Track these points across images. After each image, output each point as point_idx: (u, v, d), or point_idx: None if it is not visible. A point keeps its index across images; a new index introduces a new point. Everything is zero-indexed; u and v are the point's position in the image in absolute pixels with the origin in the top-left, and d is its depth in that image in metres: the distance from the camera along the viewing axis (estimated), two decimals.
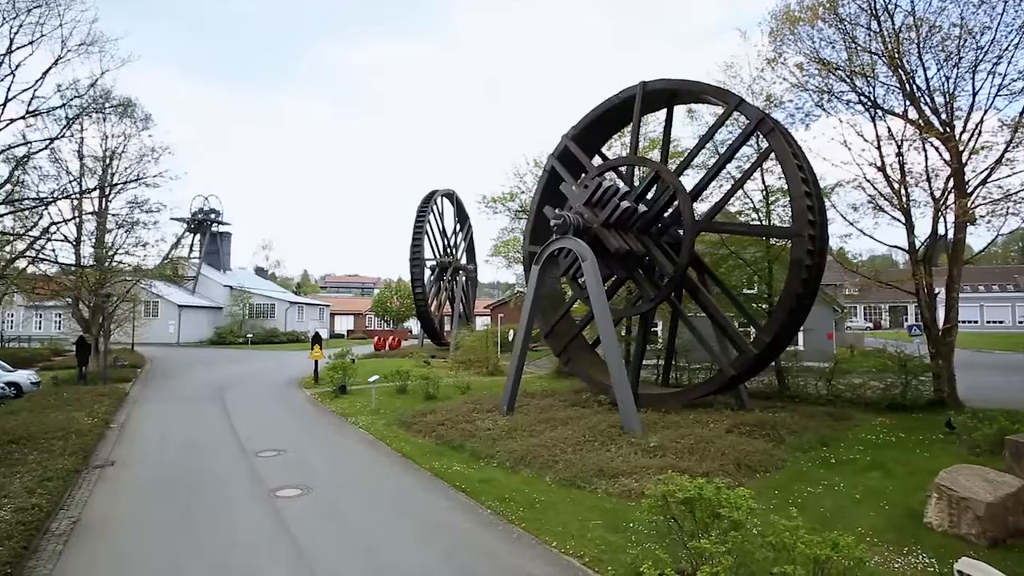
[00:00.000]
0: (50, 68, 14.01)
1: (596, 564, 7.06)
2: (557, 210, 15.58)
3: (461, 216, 44.28)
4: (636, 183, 17.71)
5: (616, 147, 24.40)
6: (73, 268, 22.04)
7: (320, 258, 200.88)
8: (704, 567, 5.56)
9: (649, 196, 16.57)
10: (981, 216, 15.26)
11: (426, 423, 14.49)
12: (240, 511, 9.10)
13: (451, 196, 43.12)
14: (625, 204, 14.62)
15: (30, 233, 16.38)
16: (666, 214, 16.19)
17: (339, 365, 21.38)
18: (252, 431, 14.89)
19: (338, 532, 8.25)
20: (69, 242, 21.76)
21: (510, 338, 31.95)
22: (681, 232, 15.89)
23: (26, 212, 16.10)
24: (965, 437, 12.16)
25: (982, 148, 15.34)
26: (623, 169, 17.97)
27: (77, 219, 21.00)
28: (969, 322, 55.03)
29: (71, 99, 14.87)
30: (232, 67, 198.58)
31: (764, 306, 18.73)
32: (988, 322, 60.53)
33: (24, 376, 21.11)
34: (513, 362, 15.44)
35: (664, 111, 17.33)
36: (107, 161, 23.50)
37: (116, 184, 22.09)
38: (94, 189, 20.97)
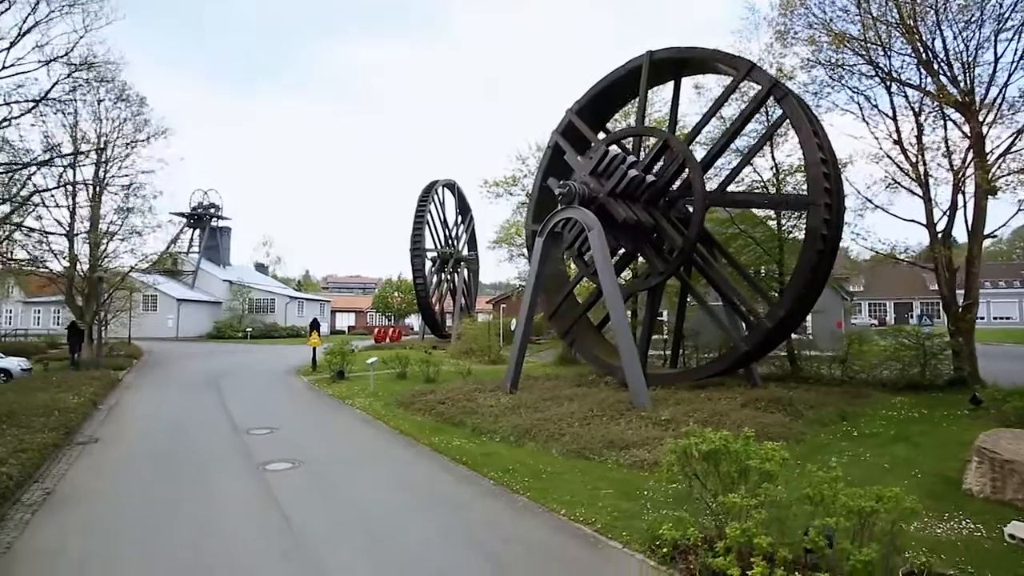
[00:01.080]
0: (26, 23, 13.44)
1: (609, 531, 6.46)
2: (562, 181, 14.99)
3: (462, 207, 43.70)
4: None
5: (621, 126, 23.81)
6: (65, 236, 21.23)
7: (321, 259, 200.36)
8: (733, 523, 4.96)
9: (656, 171, 15.98)
10: (1008, 183, 14.63)
11: (426, 402, 13.91)
12: (225, 484, 8.51)
13: (452, 187, 42.54)
14: (633, 173, 14.03)
15: (12, 200, 15.75)
16: (674, 186, 15.60)
17: (337, 350, 20.81)
18: (245, 412, 14.31)
19: (329, 502, 7.66)
20: (59, 223, 21.16)
21: (512, 328, 31.38)
22: (690, 208, 15.32)
23: (8, 175, 15.43)
24: (994, 411, 11.55)
25: (1011, 108, 14.72)
26: (629, 146, 17.37)
27: (68, 188, 20.21)
28: (976, 318, 54.26)
29: (53, 58, 14.25)
30: (231, 68, 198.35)
31: (776, 286, 18.13)
32: (995, 318, 59.65)
33: (15, 363, 20.57)
34: (516, 339, 14.86)
35: (671, 86, 16.79)
36: (100, 144, 22.95)
37: (108, 145, 21.42)
38: (86, 152, 20.14)
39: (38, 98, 13.96)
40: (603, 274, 13.24)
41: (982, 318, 58.04)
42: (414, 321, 58.61)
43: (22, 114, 14.01)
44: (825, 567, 4.69)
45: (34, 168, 16.24)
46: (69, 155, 18.49)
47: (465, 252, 43.60)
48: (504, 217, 41.62)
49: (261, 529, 6.70)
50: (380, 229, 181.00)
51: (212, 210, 56.16)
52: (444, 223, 41.53)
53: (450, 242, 41.86)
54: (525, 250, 26.70)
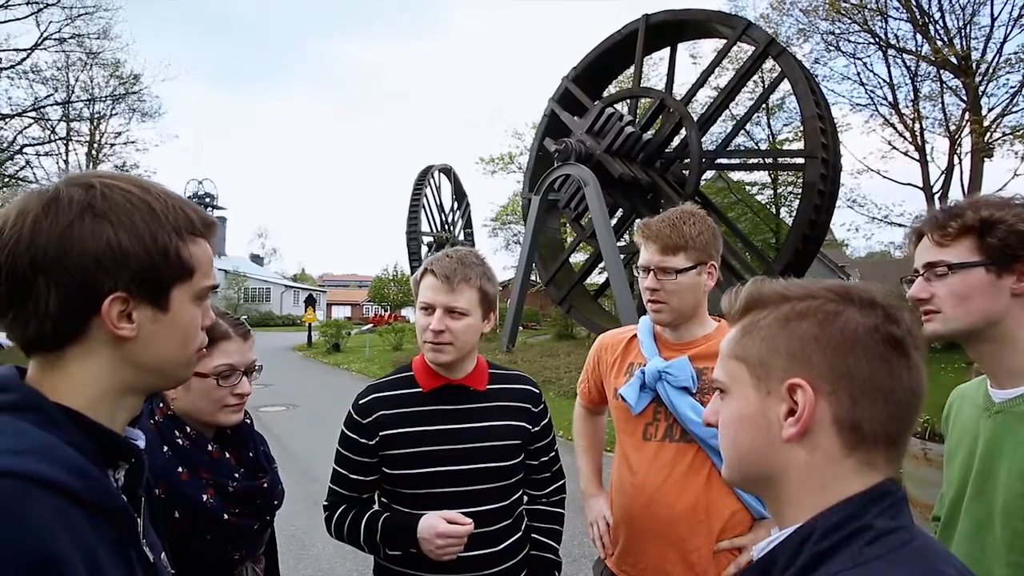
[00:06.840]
0: None
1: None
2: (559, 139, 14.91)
3: (459, 193, 43.48)
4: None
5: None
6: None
7: (317, 258, 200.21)
8: None
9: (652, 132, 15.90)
10: (1003, 143, 14.60)
11: None
12: None
13: (448, 172, 42.32)
14: (630, 130, 13.95)
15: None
16: (669, 148, 15.54)
17: (333, 323, 20.72)
18: None
19: (322, 431, 7.48)
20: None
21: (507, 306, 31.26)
22: (685, 172, 15.25)
23: None
24: None
25: (1006, 63, 14.69)
26: (625, 113, 17.27)
27: (59, 144, 19.75)
28: None
29: (44, 4, 13.94)
30: (229, 67, 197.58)
31: (773, 255, 18.10)
32: None
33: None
34: (513, 297, 14.79)
35: (667, 61, 16.78)
36: (94, 123, 22.69)
37: (100, 120, 21.06)
38: (76, 101, 19.57)
39: (30, 47, 13.72)
40: (599, 229, 13.15)
41: None
42: (409, 313, 58.48)
43: (14, 64, 13.75)
44: None
45: (27, 122, 15.98)
46: (58, 104, 18.10)
47: (461, 238, 43.44)
48: (500, 202, 41.49)
49: None
50: (377, 229, 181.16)
51: (207, 199, 55.87)
52: (440, 208, 41.34)
53: (446, 227, 41.69)
54: (521, 239, 26.58)
